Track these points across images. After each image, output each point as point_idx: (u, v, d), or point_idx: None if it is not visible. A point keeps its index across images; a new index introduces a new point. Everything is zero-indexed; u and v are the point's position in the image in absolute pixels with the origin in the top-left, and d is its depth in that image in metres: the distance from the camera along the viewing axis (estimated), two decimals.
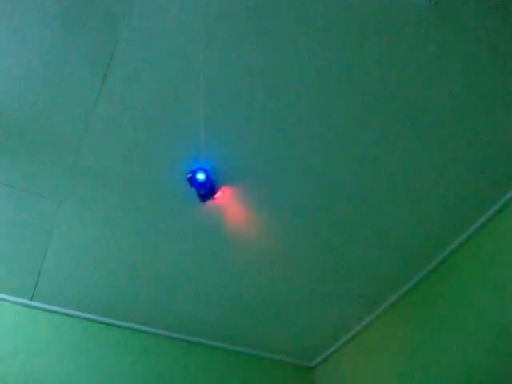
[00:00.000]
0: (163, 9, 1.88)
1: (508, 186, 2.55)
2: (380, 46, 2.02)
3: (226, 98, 2.17)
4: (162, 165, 2.42)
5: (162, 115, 2.22)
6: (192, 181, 2.21)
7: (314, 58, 2.04)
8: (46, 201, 2.54)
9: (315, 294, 3.17)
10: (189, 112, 2.20)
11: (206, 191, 2.31)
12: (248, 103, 2.20)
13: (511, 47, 2.03)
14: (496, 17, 1.95)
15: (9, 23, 1.90)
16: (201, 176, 2.22)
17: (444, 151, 2.41)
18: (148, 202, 2.58)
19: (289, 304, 3.24)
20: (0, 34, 1.93)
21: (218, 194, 2.41)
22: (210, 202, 2.43)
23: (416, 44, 2.02)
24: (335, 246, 2.85)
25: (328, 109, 2.23)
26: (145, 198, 2.56)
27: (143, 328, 3.33)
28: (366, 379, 3.29)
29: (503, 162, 2.45)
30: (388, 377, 3.10)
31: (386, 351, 3.20)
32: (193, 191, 2.25)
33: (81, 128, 2.24)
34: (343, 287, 3.13)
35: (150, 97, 2.15)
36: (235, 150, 2.37)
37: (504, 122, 2.30)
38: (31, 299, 3.07)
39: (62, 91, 2.12)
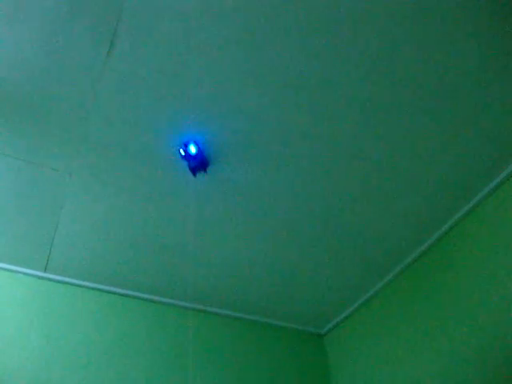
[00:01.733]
0: None
1: None
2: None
3: (225, 68, 2.15)
4: (167, 134, 2.41)
5: (167, 84, 2.19)
6: (184, 154, 2.32)
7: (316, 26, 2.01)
8: (56, 173, 2.54)
9: (325, 261, 3.18)
10: (194, 83, 2.18)
11: (197, 164, 2.39)
12: (245, 74, 2.17)
13: None
14: None
15: (13, 2, 1.87)
16: (192, 149, 2.32)
17: (455, 114, 2.37)
18: (157, 172, 2.57)
19: (298, 271, 3.26)
20: (4, 6, 1.90)
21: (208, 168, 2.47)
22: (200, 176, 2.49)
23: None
24: (344, 211, 2.84)
25: (331, 78, 2.20)
26: (154, 168, 2.55)
27: (156, 298, 3.37)
28: (376, 346, 3.32)
29: None
30: (398, 344, 3.13)
31: (396, 318, 3.22)
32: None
33: (89, 98, 2.22)
34: (353, 254, 3.14)
35: (156, 65, 2.12)
36: (229, 123, 2.34)
37: None
38: (45, 271, 3.11)
39: (68, 61, 2.09)
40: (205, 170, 2.45)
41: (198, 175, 2.48)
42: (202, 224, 2.87)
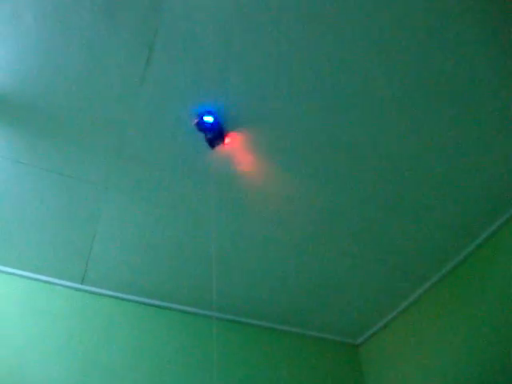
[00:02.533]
0: None
1: None
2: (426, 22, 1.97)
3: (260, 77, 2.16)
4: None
5: (207, 95, 2.22)
6: (200, 124, 2.25)
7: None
8: (93, 186, 2.58)
9: (360, 271, 3.15)
10: (232, 94, 2.20)
11: (215, 135, 2.32)
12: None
13: None
14: None
15: (52, 12, 1.92)
16: (209, 119, 2.24)
17: (492, 123, 2.33)
18: (193, 185, 2.59)
19: (333, 281, 3.23)
20: (44, 22, 1.95)
21: (227, 140, 2.38)
22: (219, 148, 2.41)
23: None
24: (380, 221, 2.81)
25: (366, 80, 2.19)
26: (191, 181, 2.57)
27: (192, 309, 3.38)
28: (412, 356, 3.26)
29: None
30: (434, 354, 3.07)
31: (432, 327, 3.16)
32: None
33: (125, 112, 2.26)
34: (388, 264, 3.10)
35: (193, 77, 2.14)
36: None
37: None
38: (82, 283, 3.15)
39: (105, 77, 2.14)
40: (223, 141, 2.37)
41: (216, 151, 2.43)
42: (235, 234, 2.88)
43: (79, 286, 3.15)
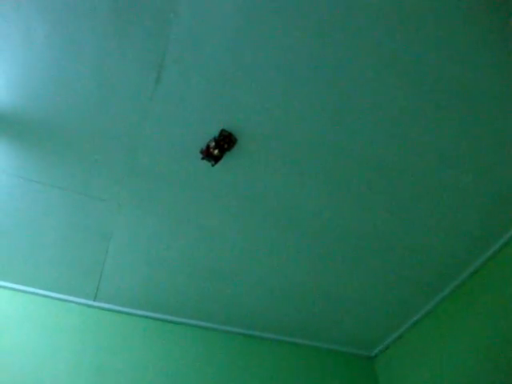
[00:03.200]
0: (213, 6, 1.88)
1: None
2: (433, 30, 1.96)
3: (272, 92, 2.15)
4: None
5: (215, 113, 2.22)
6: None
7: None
8: (105, 203, 2.59)
9: (374, 282, 3.13)
10: (243, 110, 2.21)
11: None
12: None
13: None
14: None
15: (63, 30, 1.93)
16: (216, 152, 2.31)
17: (502, 133, 2.32)
18: (206, 197, 2.59)
19: (347, 293, 3.21)
20: (57, 43, 1.97)
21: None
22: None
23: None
24: (392, 233, 2.79)
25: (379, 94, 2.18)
26: (201, 193, 2.57)
27: (205, 324, 3.37)
28: (427, 367, 3.23)
29: None
30: (449, 365, 3.03)
31: (446, 339, 3.13)
32: None
33: (136, 130, 2.27)
34: (402, 275, 3.07)
35: (203, 95, 2.15)
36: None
37: None
38: (94, 299, 3.16)
39: (116, 94, 2.14)
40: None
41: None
42: (250, 248, 2.87)
43: (92, 302, 3.16)
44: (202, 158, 2.37)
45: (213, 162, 2.38)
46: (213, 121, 2.25)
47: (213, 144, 2.30)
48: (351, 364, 3.70)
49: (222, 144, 2.30)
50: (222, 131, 2.27)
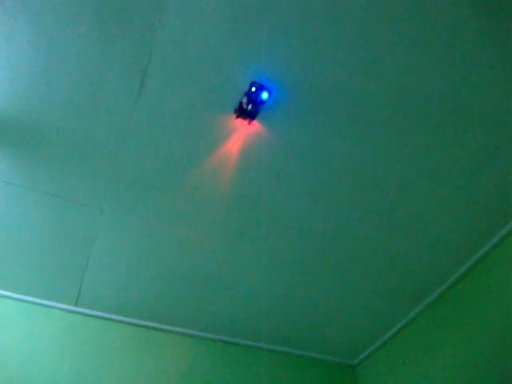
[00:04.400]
0: (197, 12, 1.88)
1: None
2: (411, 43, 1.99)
3: None
4: (198, 171, 2.43)
5: (198, 121, 2.22)
6: (254, 93, 2.10)
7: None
8: (88, 208, 2.58)
9: (356, 291, 3.14)
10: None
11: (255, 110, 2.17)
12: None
13: None
14: None
15: (49, 37, 1.93)
16: (265, 95, 2.12)
17: (489, 142, 2.35)
18: (187, 207, 2.59)
19: (330, 302, 3.22)
20: (41, 48, 1.96)
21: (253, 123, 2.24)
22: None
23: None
24: (376, 241, 2.80)
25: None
26: (184, 203, 2.57)
27: (187, 331, 3.35)
28: (409, 376, 3.24)
29: None
30: (431, 373, 3.04)
31: (428, 348, 3.14)
32: None
33: (119, 136, 2.26)
34: (384, 284, 3.09)
35: (186, 103, 2.15)
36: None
37: None
38: (75, 305, 3.13)
39: (100, 101, 2.14)
40: (252, 119, 2.21)
41: None
42: (231, 255, 2.87)
43: (73, 308, 3.13)
44: (237, 117, 2.21)
45: (248, 120, 2.22)
46: (196, 129, 2.25)
47: (245, 99, 2.13)
48: (333, 372, 3.70)
49: (256, 97, 2.12)
50: (253, 83, 2.09)
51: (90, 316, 3.16)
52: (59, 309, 3.11)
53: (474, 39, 1.96)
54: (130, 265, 2.89)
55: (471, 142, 2.34)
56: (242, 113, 2.18)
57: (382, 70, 2.05)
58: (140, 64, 2.02)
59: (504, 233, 2.75)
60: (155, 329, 3.29)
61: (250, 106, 2.14)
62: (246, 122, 2.23)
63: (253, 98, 2.11)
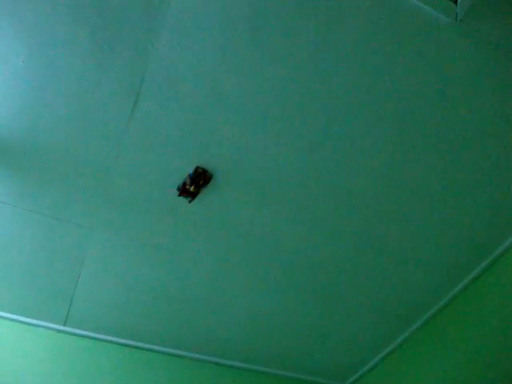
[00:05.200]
0: (190, 36, 1.91)
1: None
2: (402, 63, 2.01)
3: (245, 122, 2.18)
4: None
5: (191, 143, 2.24)
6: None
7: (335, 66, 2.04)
8: (78, 228, 2.57)
9: (347, 313, 3.13)
10: (217, 140, 2.23)
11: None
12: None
13: None
14: None
15: (44, 56, 1.95)
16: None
17: (482, 162, 2.37)
18: (179, 228, 2.59)
19: (321, 323, 3.20)
20: (35, 68, 1.98)
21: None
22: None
23: (441, 61, 2.01)
24: (367, 264, 2.81)
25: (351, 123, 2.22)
26: (175, 222, 2.57)
27: (175, 351, 3.32)
28: None
29: None
30: None
31: (419, 370, 3.14)
32: None
33: (111, 156, 2.27)
34: (375, 306, 3.09)
35: (179, 125, 2.17)
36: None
37: None
38: (64, 324, 3.10)
39: (93, 120, 2.15)
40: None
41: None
42: (223, 278, 2.87)
43: (62, 327, 3.10)
44: (179, 195, 2.40)
45: (190, 199, 2.41)
46: (188, 152, 2.27)
47: (188, 181, 2.33)
48: None
49: (198, 181, 2.33)
50: (197, 168, 2.30)
51: (79, 336, 3.13)
52: (47, 328, 3.08)
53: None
54: (120, 285, 2.87)
55: (467, 160, 2.37)
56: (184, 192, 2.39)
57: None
58: (133, 86, 2.04)
59: (492, 258, 2.78)
60: (145, 349, 3.26)
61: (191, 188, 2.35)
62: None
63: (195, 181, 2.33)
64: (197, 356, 3.36)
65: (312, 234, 2.65)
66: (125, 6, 1.83)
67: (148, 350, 3.27)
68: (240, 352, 3.40)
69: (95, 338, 3.16)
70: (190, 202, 2.43)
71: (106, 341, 3.18)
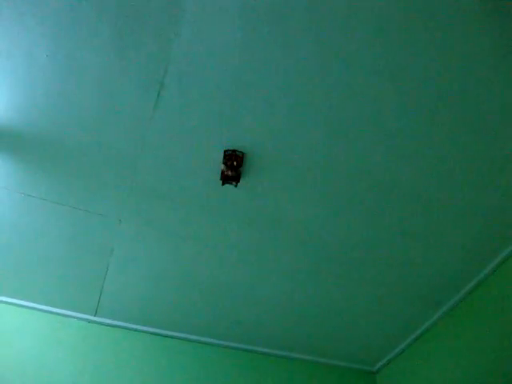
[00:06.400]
0: (213, 26, 1.90)
1: None
2: (430, 42, 1.97)
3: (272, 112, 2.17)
4: (216, 181, 2.44)
5: (216, 131, 2.23)
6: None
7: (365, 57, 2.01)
8: (106, 219, 2.60)
9: (375, 297, 3.11)
10: (242, 131, 2.23)
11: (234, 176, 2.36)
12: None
13: None
14: None
15: (67, 52, 1.96)
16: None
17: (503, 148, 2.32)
18: (205, 217, 2.60)
19: (349, 308, 3.20)
20: (59, 62, 1.99)
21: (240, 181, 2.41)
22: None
23: (469, 40, 1.96)
24: (394, 248, 2.78)
25: (379, 109, 2.18)
26: (201, 214, 2.58)
27: (206, 339, 3.37)
28: (429, 382, 3.20)
29: None
30: (452, 379, 3.01)
31: (449, 353, 3.11)
32: None
33: (137, 146, 2.28)
34: (403, 289, 3.06)
35: (203, 113, 2.16)
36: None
37: None
38: (95, 315, 3.16)
39: (118, 112, 2.16)
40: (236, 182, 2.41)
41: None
42: (249, 264, 2.87)
43: (92, 317, 3.16)
44: (223, 184, 2.41)
45: (234, 183, 2.41)
46: (214, 139, 2.26)
47: (223, 167, 2.33)
48: (353, 379, 3.67)
49: (231, 163, 2.31)
50: (225, 152, 2.30)
51: (109, 326, 3.19)
52: (78, 318, 3.15)
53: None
54: (148, 274, 2.91)
55: (484, 149, 2.32)
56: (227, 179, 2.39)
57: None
58: (156, 76, 2.03)
59: None
60: (175, 338, 3.30)
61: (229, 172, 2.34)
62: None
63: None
64: (225, 343, 3.39)
65: (342, 220, 2.63)
66: None
67: (177, 338, 3.31)
68: (269, 338, 3.42)
69: (126, 328, 3.22)
70: (235, 186, 2.41)
71: (136, 330, 3.24)
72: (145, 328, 3.25)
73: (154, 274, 2.90)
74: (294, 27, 1.90)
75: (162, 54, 1.97)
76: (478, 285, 2.99)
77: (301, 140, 2.27)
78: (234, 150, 2.30)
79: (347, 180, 2.44)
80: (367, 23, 1.89)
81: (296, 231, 2.68)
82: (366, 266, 2.89)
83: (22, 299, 3.06)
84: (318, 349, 3.55)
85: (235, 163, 2.31)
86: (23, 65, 2.01)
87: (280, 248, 2.78)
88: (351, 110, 2.16)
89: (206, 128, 2.21)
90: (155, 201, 2.51)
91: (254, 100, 2.11)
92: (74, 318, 3.14)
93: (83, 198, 2.52)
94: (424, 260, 2.86)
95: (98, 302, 3.06)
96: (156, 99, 2.11)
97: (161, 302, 3.09)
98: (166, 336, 3.28)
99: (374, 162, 2.36)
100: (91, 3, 1.83)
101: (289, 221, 2.63)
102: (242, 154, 2.31)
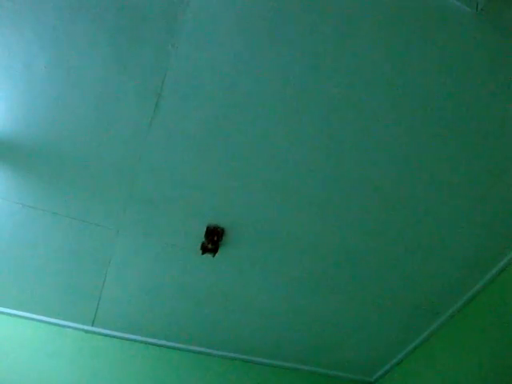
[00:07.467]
0: (209, 36, 1.91)
1: None
2: (425, 55, 1.99)
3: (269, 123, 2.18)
4: (211, 192, 2.45)
5: (214, 142, 2.25)
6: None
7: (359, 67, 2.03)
8: (104, 229, 2.60)
9: (374, 308, 3.12)
10: (240, 140, 2.24)
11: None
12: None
13: None
14: None
15: (65, 61, 1.97)
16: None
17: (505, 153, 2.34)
18: (202, 228, 2.60)
19: (347, 318, 3.20)
20: (57, 73, 2.01)
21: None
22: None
23: (462, 52, 1.98)
24: (392, 258, 2.79)
25: (373, 123, 2.20)
26: (200, 222, 2.58)
27: (203, 350, 3.35)
28: None
29: None
30: None
31: (446, 363, 3.11)
32: None
33: (135, 157, 2.29)
34: (402, 300, 3.07)
35: (201, 124, 2.18)
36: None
37: None
38: (92, 325, 3.15)
39: (115, 122, 2.17)
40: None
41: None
42: (246, 276, 2.88)
43: (90, 327, 3.15)
44: (203, 253, 2.64)
45: (212, 254, 2.65)
46: (211, 151, 2.28)
47: (204, 241, 2.59)
48: None
49: (212, 238, 2.56)
50: (207, 228, 2.56)
51: (107, 336, 3.17)
52: (76, 329, 3.13)
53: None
54: (146, 285, 2.90)
55: (482, 160, 2.34)
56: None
57: None
58: (154, 87, 2.05)
59: None
60: (171, 348, 3.29)
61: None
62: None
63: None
64: (224, 353, 3.38)
65: (337, 231, 2.64)
66: (143, 8, 1.85)
67: (174, 348, 3.29)
68: (267, 349, 3.41)
69: (123, 338, 3.20)
70: (213, 256, 2.68)
71: (134, 340, 3.22)
72: (142, 338, 3.23)
73: (152, 284, 2.90)
74: (291, 41, 1.92)
75: (160, 66, 1.99)
76: (477, 295, 3.00)
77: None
78: (216, 226, 2.56)
79: (341, 193, 2.46)
80: (364, 38, 1.91)
81: (293, 243, 2.69)
82: (365, 276, 2.89)
83: (17, 309, 3.04)
84: (317, 359, 3.54)
85: (216, 238, 2.56)
86: (22, 76, 2.02)
87: (276, 258, 2.79)
88: (349, 123, 2.18)
89: (202, 139, 2.23)
90: (152, 211, 2.52)
91: (251, 112, 2.13)
92: (71, 328, 3.12)
93: (81, 209, 2.52)
94: (422, 270, 2.87)
95: (96, 312, 3.05)
96: (154, 110, 2.12)
97: (158, 312, 3.08)
98: (163, 346, 3.27)
99: (373, 174, 2.38)
100: (88, 15, 1.85)
101: (284, 233, 2.64)
102: (223, 230, 2.58)
